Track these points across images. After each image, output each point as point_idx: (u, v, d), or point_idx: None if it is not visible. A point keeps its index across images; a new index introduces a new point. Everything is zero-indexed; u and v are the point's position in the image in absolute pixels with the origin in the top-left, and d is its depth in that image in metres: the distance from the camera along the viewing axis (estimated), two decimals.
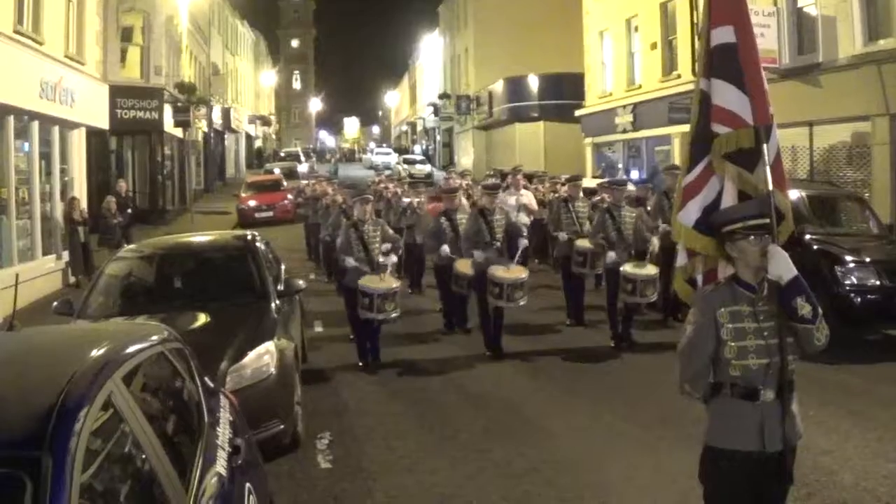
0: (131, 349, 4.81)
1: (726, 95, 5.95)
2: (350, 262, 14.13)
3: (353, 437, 10.76)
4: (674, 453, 9.17)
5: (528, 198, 21.38)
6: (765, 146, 5.82)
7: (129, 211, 28.01)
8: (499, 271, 14.36)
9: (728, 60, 5.99)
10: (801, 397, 5.63)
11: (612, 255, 14.97)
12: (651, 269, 14.77)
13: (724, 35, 6.01)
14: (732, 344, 5.37)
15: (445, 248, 15.65)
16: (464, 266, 15.29)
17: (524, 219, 19.44)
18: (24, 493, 3.23)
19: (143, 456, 4.18)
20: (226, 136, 70.57)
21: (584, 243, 16.52)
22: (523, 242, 15.42)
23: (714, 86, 6.03)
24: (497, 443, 10.23)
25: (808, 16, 24.25)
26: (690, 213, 6.12)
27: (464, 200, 17.65)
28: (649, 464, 9.26)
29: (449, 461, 9.70)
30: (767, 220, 5.47)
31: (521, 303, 14.60)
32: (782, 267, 5.30)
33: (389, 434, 10.80)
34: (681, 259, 6.31)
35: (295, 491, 9.01)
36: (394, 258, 14.78)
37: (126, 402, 4.24)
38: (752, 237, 5.39)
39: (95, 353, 4.39)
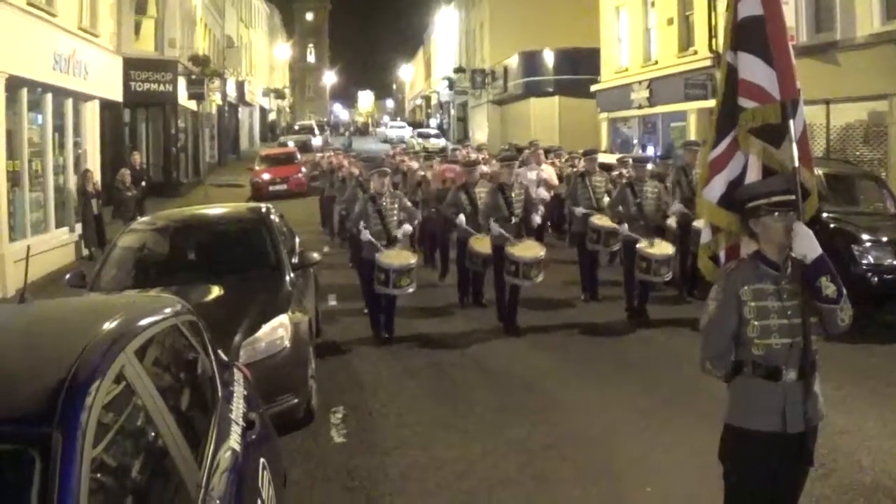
0: (144, 322, 4.76)
1: (753, 69, 5.83)
2: (366, 234, 14.04)
3: (367, 412, 10.74)
4: (691, 431, 9.12)
5: (548, 172, 21.30)
6: (791, 122, 5.72)
7: (143, 183, 27.99)
8: (515, 249, 14.29)
9: (754, 33, 5.86)
10: (818, 377, 5.54)
11: (625, 227, 14.89)
12: (667, 248, 14.72)
13: (750, 7, 5.90)
14: (755, 323, 5.29)
15: (462, 218, 15.49)
16: (478, 244, 15.19)
17: (543, 194, 19.34)
18: (34, 469, 3.18)
19: (156, 430, 4.14)
20: (240, 109, 70.58)
21: (598, 221, 16.45)
22: (536, 220, 15.32)
23: (741, 59, 5.92)
24: (512, 418, 10.19)
25: None
26: (715, 188, 6.01)
27: (482, 168, 17.48)
28: (666, 441, 9.22)
29: (464, 437, 9.67)
30: (793, 197, 5.37)
31: (538, 280, 14.53)
32: (807, 245, 5.20)
33: (403, 409, 10.78)
34: (705, 235, 6.19)
35: (309, 465, 8.99)
36: (408, 227, 14.73)
37: (138, 376, 4.20)
38: (777, 213, 5.29)
39: (108, 325, 4.35)
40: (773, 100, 5.76)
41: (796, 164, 5.59)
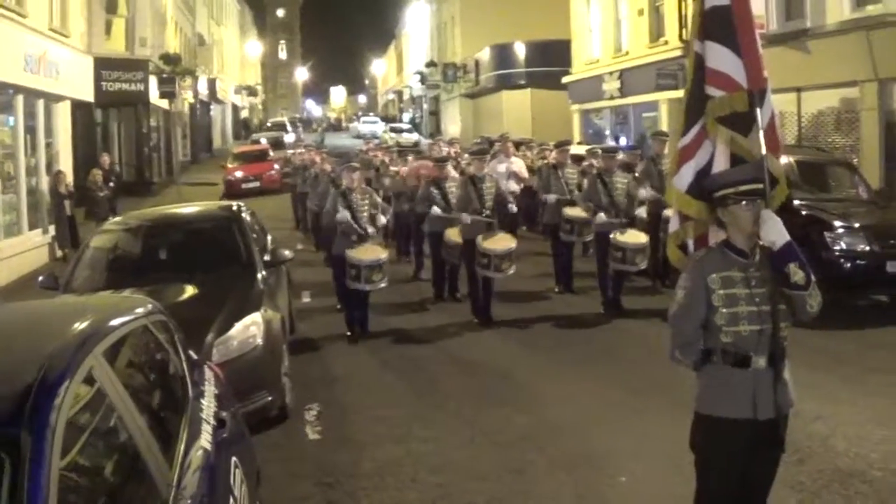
0: (114, 323, 4.74)
1: (720, 58, 5.85)
2: (344, 214, 13.99)
3: (341, 408, 10.73)
4: (664, 420, 9.14)
5: (518, 165, 21.26)
6: (758, 110, 5.74)
7: (112, 184, 27.73)
8: (487, 242, 14.30)
9: (721, 22, 5.89)
10: (790, 363, 5.56)
11: (601, 216, 14.87)
12: (641, 238, 14.74)
13: None
14: (724, 310, 5.31)
15: (436, 209, 15.47)
16: (454, 235, 15.19)
17: (513, 186, 19.31)
18: (3, 471, 3.16)
19: (126, 431, 4.11)
20: (212, 107, 70.29)
21: (572, 211, 16.44)
22: (512, 209, 15.30)
23: (708, 48, 5.94)
24: (487, 411, 10.22)
25: None
26: (684, 177, 6.03)
27: (451, 171, 17.40)
28: (640, 430, 9.26)
29: (439, 430, 9.67)
30: (760, 186, 5.40)
31: (510, 272, 14.55)
32: (775, 232, 5.23)
33: (378, 404, 10.77)
34: (674, 224, 6.21)
35: (283, 463, 8.96)
36: (382, 220, 14.71)
37: (108, 377, 4.17)
38: (745, 202, 5.31)
39: (77, 327, 4.33)
40: (740, 88, 5.79)
41: (764, 152, 5.62)
